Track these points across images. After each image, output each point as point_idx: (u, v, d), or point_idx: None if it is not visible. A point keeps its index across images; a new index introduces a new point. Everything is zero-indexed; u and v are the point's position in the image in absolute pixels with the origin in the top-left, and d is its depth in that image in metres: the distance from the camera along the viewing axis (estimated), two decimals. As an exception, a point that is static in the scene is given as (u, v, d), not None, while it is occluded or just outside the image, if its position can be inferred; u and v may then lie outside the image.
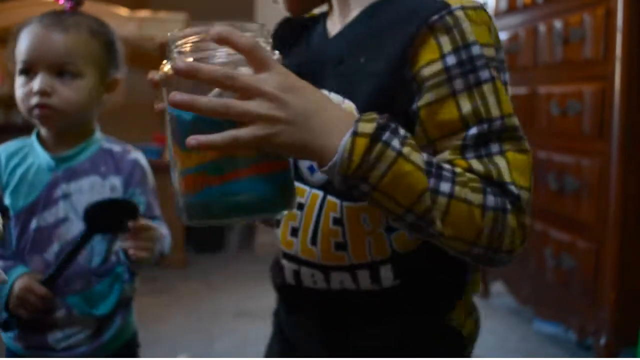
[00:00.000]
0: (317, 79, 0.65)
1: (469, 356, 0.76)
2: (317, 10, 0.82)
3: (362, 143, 0.55)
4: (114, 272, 1.10)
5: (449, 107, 0.61)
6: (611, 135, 1.94)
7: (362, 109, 0.63)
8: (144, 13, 3.41)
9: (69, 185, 1.06)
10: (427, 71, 0.62)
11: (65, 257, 1.01)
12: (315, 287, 0.74)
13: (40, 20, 1.05)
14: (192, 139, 0.52)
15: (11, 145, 1.11)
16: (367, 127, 0.56)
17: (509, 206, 0.59)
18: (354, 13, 0.70)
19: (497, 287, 2.97)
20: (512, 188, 0.59)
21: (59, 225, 1.04)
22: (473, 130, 0.60)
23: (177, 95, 0.53)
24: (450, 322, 0.74)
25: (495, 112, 0.62)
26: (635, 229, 1.95)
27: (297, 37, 0.77)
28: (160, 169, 3.91)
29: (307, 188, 0.71)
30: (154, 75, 0.65)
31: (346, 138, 0.55)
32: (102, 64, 1.11)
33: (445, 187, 0.57)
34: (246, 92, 0.53)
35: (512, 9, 2.63)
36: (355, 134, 0.55)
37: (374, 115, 0.57)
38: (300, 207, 0.71)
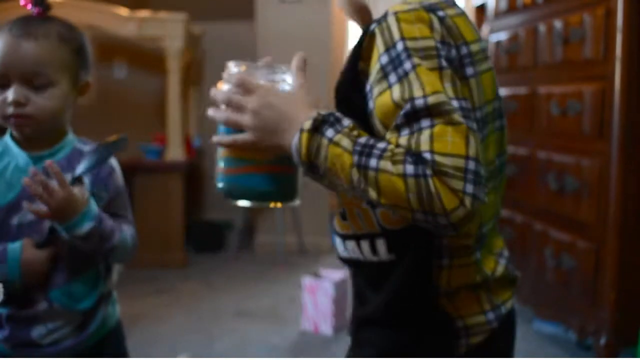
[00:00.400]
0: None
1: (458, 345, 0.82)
2: None
3: (305, 137, 0.71)
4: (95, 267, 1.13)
5: (386, 98, 0.71)
6: (611, 135, 1.94)
7: (339, 108, 0.78)
8: (144, 13, 3.41)
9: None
10: (373, 72, 0.75)
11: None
12: (341, 255, 0.89)
13: (9, 29, 1.06)
14: (213, 138, 0.79)
15: None
16: (308, 124, 0.71)
17: (428, 172, 0.65)
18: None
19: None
20: (426, 155, 0.66)
21: (39, 221, 1.07)
22: (401, 111, 0.69)
23: (210, 111, 0.81)
24: (440, 301, 0.80)
25: (418, 93, 0.69)
26: (635, 228, 1.95)
27: None
28: (160, 169, 3.88)
29: None
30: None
31: (297, 135, 0.72)
32: (73, 69, 1.12)
33: (372, 162, 0.67)
34: (239, 109, 0.77)
35: (512, 9, 2.63)
36: (301, 130, 0.72)
37: (319, 113, 0.72)
38: None
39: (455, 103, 0.69)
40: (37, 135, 1.11)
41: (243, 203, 0.79)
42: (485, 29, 2.92)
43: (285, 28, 3.79)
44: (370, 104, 0.75)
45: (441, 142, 0.66)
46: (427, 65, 0.70)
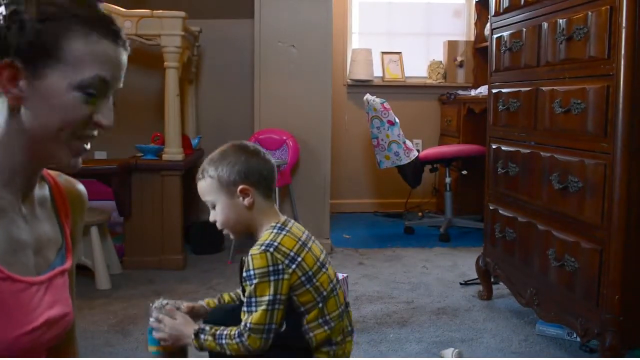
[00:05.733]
0: None
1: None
2: None
3: (196, 339, 1.54)
4: None
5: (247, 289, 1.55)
6: (615, 134, 1.91)
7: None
8: (142, 11, 3.37)
9: None
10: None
11: None
12: None
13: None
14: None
15: None
16: (193, 334, 1.55)
17: (244, 338, 1.49)
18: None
19: (500, 288, 2.95)
20: (248, 325, 1.50)
21: None
22: (247, 299, 1.55)
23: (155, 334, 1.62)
24: None
25: (259, 293, 1.53)
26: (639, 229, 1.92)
27: None
28: (158, 169, 3.85)
29: None
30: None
31: (192, 338, 1.55)
32: None
33: (223, 341, 1.51)
34: (160, 330, 1.61)
35: (515, 6, 2.60)
36: (194, 336, 1.55)
37: (197, 329, 1.56)
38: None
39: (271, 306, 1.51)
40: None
41: None
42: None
43: (284, 26, 3.76)
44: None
45: (256, 322, 1.50)
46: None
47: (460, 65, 5.19)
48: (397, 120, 4.22)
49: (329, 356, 1.56)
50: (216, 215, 1.59)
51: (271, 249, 1.49)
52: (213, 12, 4.28)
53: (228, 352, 1.49)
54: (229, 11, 4.32)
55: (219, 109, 4.35)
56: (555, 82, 2.24)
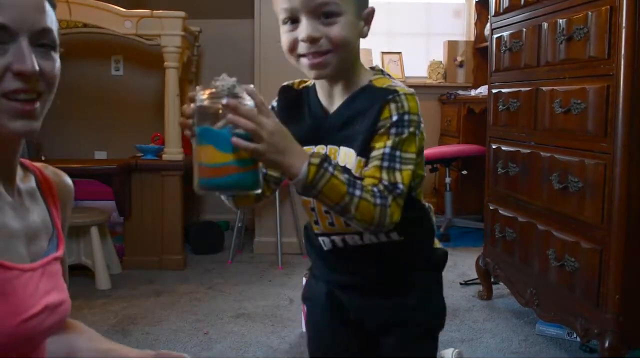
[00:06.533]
0: (324, 139, 1.15)
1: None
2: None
3: (313, 169, 0.99)
4: None
5: (382, 140, 1.08)
6: (615, 134, 1.91)
7: (359, 149, 1.10)
8: (142, 11, 3.37)
9: None
10: (381, 122, 1.08)
11: None
12: (341, 246, 1.21)
13: None
14: (237, 141, 0.92)
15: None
16: (316, 160, 0.99)
17: (388, 202, 1.04)
18: (338, 98, 1.16)
19: (500, 288, 2.95)
20: (400, 186, 1.06)
21: None
22: (388, 152, 1.07)
23: (230, 115, 0.93)
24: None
25: (405, 148, 1.08)
26: (639, 229, 1.92)
27: (296, 102, 1.23)
28: (158, 169, 3.85)
29: (311, 199, 1.16)
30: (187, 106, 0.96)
31: (305, 165, 0.98)
32: None
33: (357, 192, 1.02)
34: (259, 125, 0.93)
35: (515, 6, 2.60)
36: (309, 163, 0.98)
37: (322, 154, 1.01)
38: (313, 209, 1.21)
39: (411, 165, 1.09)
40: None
41: (226, 194, 1.09)
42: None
43: (284, 26, 3.75)
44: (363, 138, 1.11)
45: (407, 179, 1.07)
46: (415, 133, 1.09)
47: (460, 65, 5.19)
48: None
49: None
50: (331, 30, 1.06)
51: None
52: (213, 12, 4.28)
53: (352, 210, 1.01)
54: (229, 11, 4.32)
55: (218, 108, 4.34)
56: (555, 82, 2.24)
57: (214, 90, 0.94)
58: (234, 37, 4.32)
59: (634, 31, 1.86)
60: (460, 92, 4.89)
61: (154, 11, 3.34)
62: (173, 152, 3.42)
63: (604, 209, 1.96)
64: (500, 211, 2.70)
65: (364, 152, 1.09)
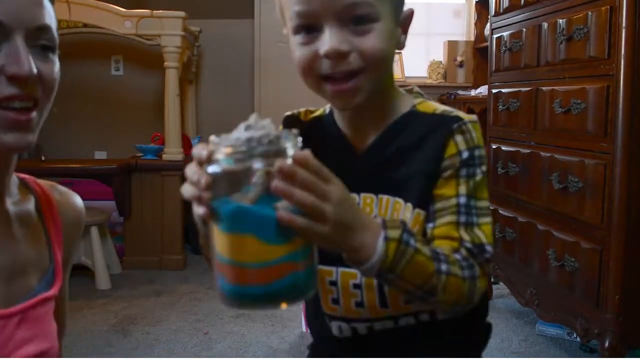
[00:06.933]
0: (355, 186, 0.83)
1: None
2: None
3: (393, 247, 0.70)
4: None
5: (451, 186, 0.84)
6: (615, 134, 1.91)
7: (416, 200, 0.85)
8: (142, 11, 3.37)
9: None
10: (447, 161, 0.84)
11: None
12: (365, 334, 0.92)
13: None
14: (299, 223, 0.60)
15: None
16: (395, 233, 0.71)
17: (477, 273, 0.80)
18: (371, 130, 0.89)
19: (500, 288, 2.95)
20: (488, 248, 0.82)
21: None
22: (463, 202, 0.84)
23: (280, 184, 0.59)
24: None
25: (480, 195, 0.85)
26: (639, 229, 1.92)
27: (306, 138, 0.70)
28: (158, 169, 3.86)
29: (333, 268, 0.89)
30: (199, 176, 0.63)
31: (381, 242, 0.70)
32: None
33: (443, 267, 0.76)
34: (322, 197, 0.63)
35: (515, 6, 2.60)
36: (387, 239, 0.70)
37: (396, 221, 0.74)
38: (334, 283, 0.90)
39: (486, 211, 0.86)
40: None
41: (273, 306, 0.63)
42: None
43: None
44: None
45: (490, 238, 0.84)
46: (484, 171, 0.87)
47: (460, 65, 5.19)
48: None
49: None
50: (364, 41, 0.79)
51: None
52: (213, 12, 4.28)
53: (439, 292, 0.76)
54: (229, 11, 4.32)
55: (219, 109, 4.35)
56: (555, 82, 2.24)
57: (241, 143, 0.60)
58: (234, 37, 4.32)
59: (634, 31, 1.86)
60: (460, 92, 4.89)
61: (154, 11, 3.34)
62: (173, 152, 3.42)
63: (604, 209, 1.96)
64: (500, 211, 2.70)
65: (422, 203, 0.83)
